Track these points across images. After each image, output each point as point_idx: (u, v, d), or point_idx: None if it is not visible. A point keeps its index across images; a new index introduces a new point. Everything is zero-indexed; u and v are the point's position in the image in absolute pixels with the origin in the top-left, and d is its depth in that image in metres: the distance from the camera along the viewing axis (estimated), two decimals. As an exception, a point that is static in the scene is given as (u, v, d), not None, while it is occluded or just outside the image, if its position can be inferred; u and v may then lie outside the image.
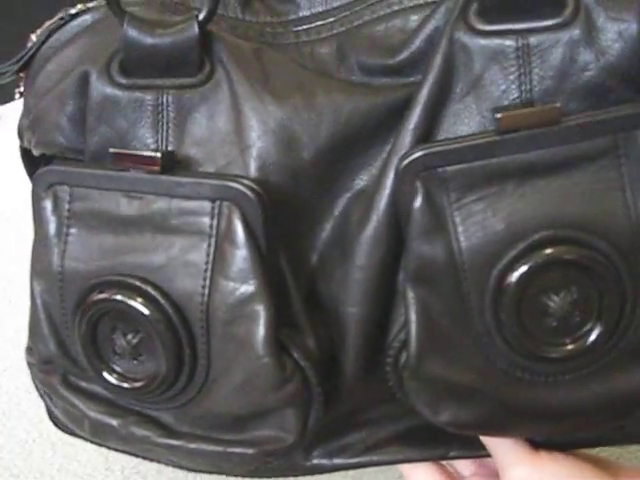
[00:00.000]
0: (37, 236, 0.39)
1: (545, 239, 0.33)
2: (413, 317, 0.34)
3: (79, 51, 0.38)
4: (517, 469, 0.38)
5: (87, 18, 0.39)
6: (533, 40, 0.33)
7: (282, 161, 0.35)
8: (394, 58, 0.36)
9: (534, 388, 0.35)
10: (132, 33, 0.35)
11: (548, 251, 0.33)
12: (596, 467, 0.38)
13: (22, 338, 0.75)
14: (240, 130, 0.35)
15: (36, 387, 0.43)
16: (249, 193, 0.34)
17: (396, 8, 0.37)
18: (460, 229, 0.33)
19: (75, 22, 0.39)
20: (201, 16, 0.35)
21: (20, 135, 0.41)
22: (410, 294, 0.34)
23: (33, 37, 0.40)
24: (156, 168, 0.35)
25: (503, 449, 0.39)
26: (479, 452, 0.40)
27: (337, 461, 0.40)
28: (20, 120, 0.41)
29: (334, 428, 0.39)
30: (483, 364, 0.35)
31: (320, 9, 0.39)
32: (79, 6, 0.40)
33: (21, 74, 0.40)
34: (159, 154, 0.35)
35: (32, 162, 0.42)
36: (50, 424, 0.65)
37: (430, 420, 0.36)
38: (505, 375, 0.35)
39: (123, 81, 0.36)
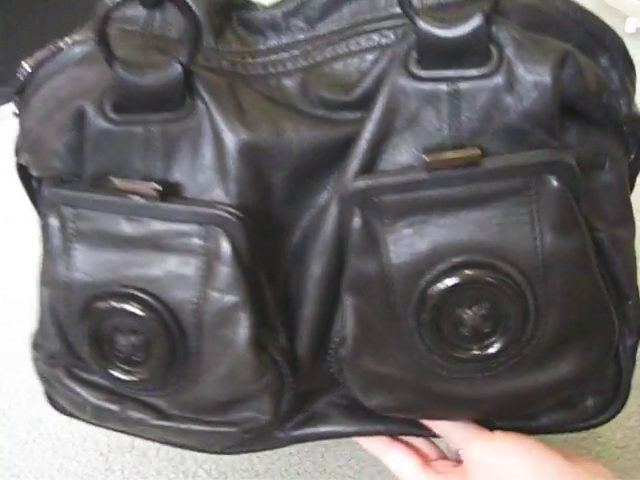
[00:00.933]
0: (44, 249, 0.43)
1: (461, 262, 0.38)
2: (349, 321, 0.40)
3: (72, 82, 0.42)
4: (473, 449, 0.42)
5: (77, 51, 0.43)
6: (463, 86, 0.37)
7: (256, 184, 0.40)
8: (350, 95, 0.41)
9: (452, 382, 0.41)
10: (122, 75, 0.39)
11: (463, 272, 0.38)
12: (548, 447, 0.41)
13: (22, 339, 0.75)
14: (220, 158, 0.40)
15: (39, 376, 0.48)
16: (233, 219, 0.39)
17: (353, 49, 0.42)
18: (391, 249, 0.38)
19: (64, 54, 0.44)
20: (183, 59, 0.39)
21: (17, 153, 0.45)
22: (347, 301, 0.40)
23: (25, 65, 0.44)
24: (154, 196, 0.39)
25: (454, 432, 0.44)
26: (417, 431, 0.46)
27: (296, 433, 0.47)
28: (17, 139, 0.45)
29: (295, 406, 0.45)
30: (408, 361, 0.40)
31: (285, 41, 0.43)
32: (67, 39, 0.44)
33: (16, 98, 0.45)
34: (156, 184, 0.39)
35: (27, 177, 0.46)
36: (50, 424, 0.65)
37: (364, 404, 0.43)
38: (426, 370, 0.40)
39: (115, 117, 0.40)
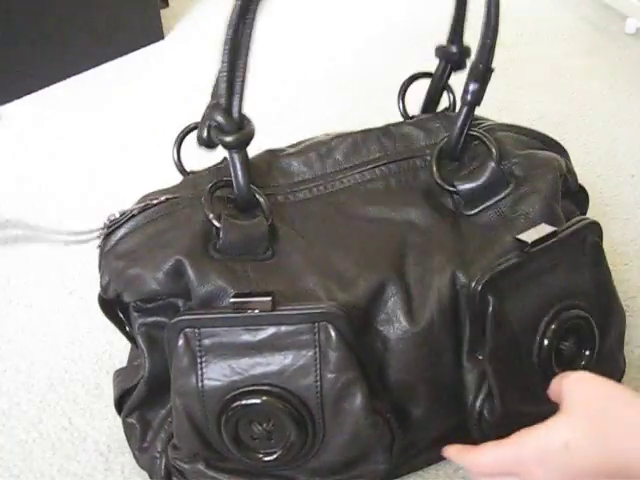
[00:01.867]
0: (175, 366, 0.50)
1: (558, 310, 0.52)
2: (494, 379, 0.51)
3: (160, 230, 0.52)
4: (569, 375, 0.47)
5: (155, 209, 0.53)
6: (502, 206, 0.55)
7: (338, 295, 0.50)
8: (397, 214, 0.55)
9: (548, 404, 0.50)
10: (225, 231, 0.50)
11: (562, 315, 0.52)
12: None
13: (22, 338, 0.75)
14: (305, 279, 0.50)
15: (179, 472, 0.55)
16: (338, 312, 0.48)
17: (378, 174, 0.56)
18: (512, 317, 0.51)
19: (150, 211, 0.53)
20: (268, 219, 0.51)
21: (105, 289, 0.52)
22: (489, 369, 0.51)
23: (116, 213, 0.53)
24: (268, 307, 0.48)
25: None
26: None
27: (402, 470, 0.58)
28: (106, 279, 0.52)
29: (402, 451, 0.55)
30: (534, 397, 0.51)
31: (321, 172, 0.56)
32: (155, 200, 0.53)
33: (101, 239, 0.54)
34: (270, 298, 0.48)
35: (110, 308, 0.55)
36: (50, 424, 0.65)
37: None
38: (539, 397, 0.50)
39: (218, 256, 0.50)
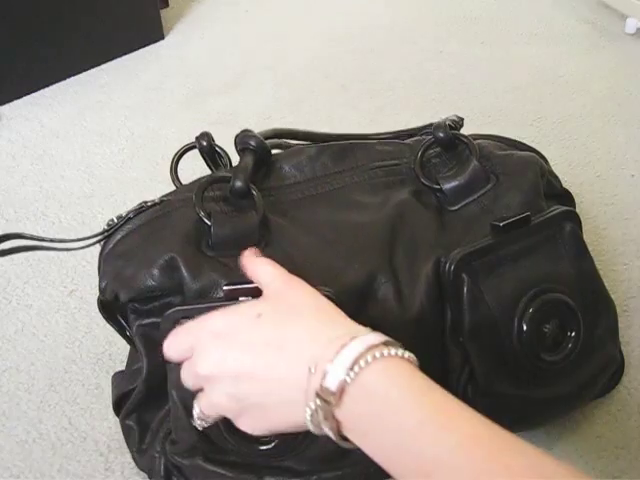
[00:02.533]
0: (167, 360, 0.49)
1: (536, 292, 0.54)
2: (475, 360, 0.53)
3: (154, 230, 0.53)
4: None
5: (151, 210, 0.55)
6: (484, 200, 0.57)
7: (330, 284, 0.50)
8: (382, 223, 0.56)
9: (543, 388, 0.55)
10: (216, 228, 0.52)
11: (540, 298, 0.54)
12: None
13: (22, 338, 0.75)
14: (297, 270, 0.48)
15: (175, 468, 0.56)
16: (329, 296, 0.46)
17: (367, 178, 0.58)
18: (488, 297, 0.53)
19: (146, 212, 0.54)
20: (258, 215, 0.53)
21: (104, 291, 0.53)
22: (470, 346, 0.53)
23: (115, 219, 0.54)
24: (260, 294, 0.47)
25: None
26: None
27: None
28: (104, 281, 0.53)
29: None
30: (515, 378, 0.54)
31: (311, 175, 0.58)
32: (150, 202, 0.55)
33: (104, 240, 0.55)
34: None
35: (107, 308, 0.55)
36: (50, 424, 0.65)
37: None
38: (526, 381, 0.54)
39: (212, 253, 0.52)
